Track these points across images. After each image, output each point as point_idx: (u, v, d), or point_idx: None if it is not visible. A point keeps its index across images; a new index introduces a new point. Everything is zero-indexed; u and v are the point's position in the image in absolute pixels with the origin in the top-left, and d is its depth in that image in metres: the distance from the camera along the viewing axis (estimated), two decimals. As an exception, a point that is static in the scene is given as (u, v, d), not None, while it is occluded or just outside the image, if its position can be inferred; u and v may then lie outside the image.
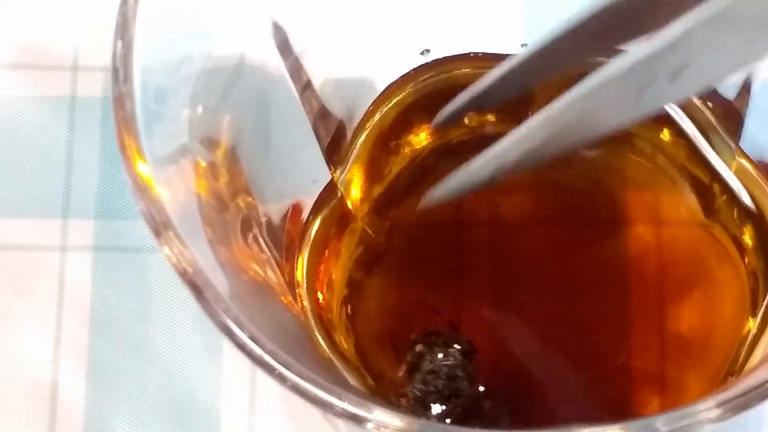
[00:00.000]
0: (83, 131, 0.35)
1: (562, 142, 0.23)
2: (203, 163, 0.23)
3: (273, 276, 0.25)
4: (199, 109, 0.24)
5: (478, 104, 0.27)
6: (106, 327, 0.34)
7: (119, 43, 0.22)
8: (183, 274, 0.20)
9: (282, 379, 0.19)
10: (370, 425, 0.19)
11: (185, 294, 0.33)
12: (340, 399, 0.19)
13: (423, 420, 0.20)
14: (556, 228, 0.31)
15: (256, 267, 0.24)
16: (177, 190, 0.21)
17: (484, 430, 0.18)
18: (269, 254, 0.25)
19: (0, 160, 0.35)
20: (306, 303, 0.29)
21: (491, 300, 0.30)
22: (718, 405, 0.19)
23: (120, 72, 0.21)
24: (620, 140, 0.31)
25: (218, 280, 0.20)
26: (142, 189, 0.21)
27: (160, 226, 0.20)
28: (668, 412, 0.19)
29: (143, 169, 0.21)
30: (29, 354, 0.34)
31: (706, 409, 0.19)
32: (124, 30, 0.22)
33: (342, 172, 0.30)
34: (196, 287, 0.20)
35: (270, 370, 0.19)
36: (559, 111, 0.23)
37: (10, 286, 0.34)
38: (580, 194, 0.31)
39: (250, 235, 0.25)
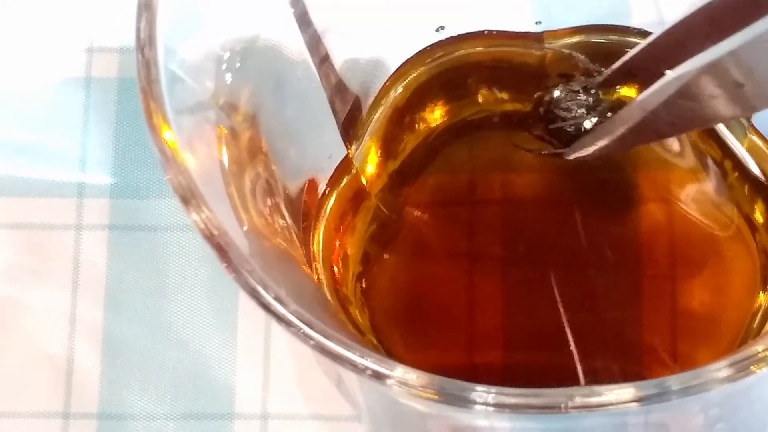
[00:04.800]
0: (98, 112, 0.36)
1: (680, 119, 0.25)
2: (224, 129, 0.23)
3: (292, 244, 0.26)
4: (220, 80, 0.24)
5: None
6: (120, 305, 0.34)
7: (144, 16, 0.22)
8: (210, 238, 0.20)
9: (307, 338, 0.19)
10: (391, 382, 0.19)
11: (200, 271, 0.34)
12: (363, 356, 0.19)
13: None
14: (569, 206, 0.31)
15: (276, 235, 0.25)
16: (200, 156, 0.22)
17: (502, 387, 0.19)
18: (289, 223, 0.26)
19: (16, 141, 0.35)
20: (322, 277, 0.29)
21: (504, 277, 0.31)
22: (731, 365, 0.19)
23: (145, 43, 0.22)
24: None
25: (241, 244, 0.21)
26: (168, 156, 0.21)
27: (187, 193, 0.21)
28: (682, 373, 0.19)
29: (169, 136, 0.21)
30: (45, 331, 0.34)
31: (719, 368, 0.19)
32: (148, 4, 0.22)
33: (357, 148, 0.30)
34: (222, 249, 0.20)
35: (295, 329, 0.19)
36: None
37: (26, 265, 0.35)
38: (593, 173, 0.31)
39: (271, 203, 0.25)
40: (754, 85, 0.22)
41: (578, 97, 0.30)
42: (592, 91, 0.30)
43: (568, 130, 0.30)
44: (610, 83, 0.30)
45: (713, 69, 0.22)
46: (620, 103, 0.30)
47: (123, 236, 0.35)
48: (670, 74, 0.24)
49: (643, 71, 0.28)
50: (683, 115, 0.24)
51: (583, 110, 0.30)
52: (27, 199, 0.35)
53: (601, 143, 0.28)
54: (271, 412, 0.33)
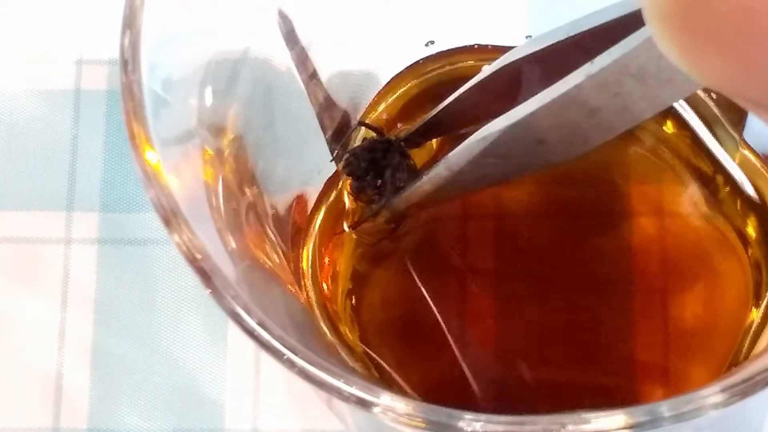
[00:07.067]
0: (88, 124, 0.35)
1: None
2: (210, 151, 0.23)
3: (279, 265, 0.25)
4: (206, 99, 0.24)
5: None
6: (110, 319, 0.34)
7: (127, 34, 0.22)
8: (192, 262, 0.20)
9: (290, 365, 0.19)
10: (377, 409, 0.19)
11: (189, 286, 0.34)
12: (347, 384, 0.19)
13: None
14: (561, 220, 0.31)
15: (262, 255, 0.24)
16: (185, 177, 0.21)
17: (491, 415, 0.18)
18: (276, 243, 0.26)
19: (5, 153, 0.35)
20: (311, 294, 0.29)
21: (495, 292, 0.30)
22: (723, 390, 0.19)
23: (129, 63, 0.21)
24: (623, 133, 0.31)
25: (226, 267, 0.21)
26: (151, 177, 0.21)
27: (169, 214, 0.20)
28: (673, 398, 0.19)
29: (152, 157, 0.21)
30: (34, 346, 0.34)
31: (711, 394, 0.19)
32: (131, 21, 0.22)
33: (346, 163, 0.30)
34: (205, 274, 0.20)
35: (278, 355, 0.19)
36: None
37: (15, 279, 0.34)
38: (585, 186, 0.31)
39: (257, 224, 0.25)
40: (555, 142, 0.24)
41: (365, 158, 0.29)
42: (366, 145, 0.30)
43: (377, 185, 0.29)
44: (414, 141, 0.30)
45: (516, 128, 0.24)
46: (394, 142, 0.30)
47: (112, 250, 0.34)
48: (475, 135, 0.25)
49: (443, 128, 0.29)
50: (489, 171, 0.25)
51: (378, 163, 0.29)
52: (15, 213, 0.35)
53: (413, 200, 0.28)
54: (262, 427, 0.33)
